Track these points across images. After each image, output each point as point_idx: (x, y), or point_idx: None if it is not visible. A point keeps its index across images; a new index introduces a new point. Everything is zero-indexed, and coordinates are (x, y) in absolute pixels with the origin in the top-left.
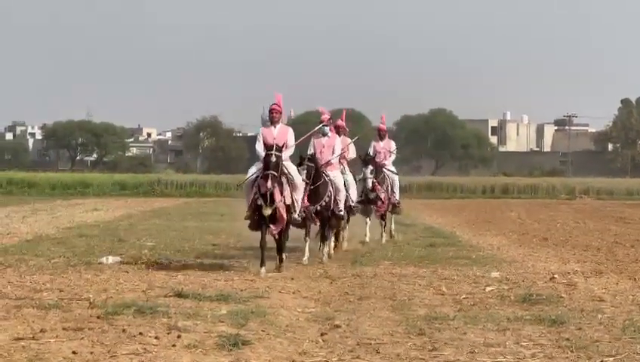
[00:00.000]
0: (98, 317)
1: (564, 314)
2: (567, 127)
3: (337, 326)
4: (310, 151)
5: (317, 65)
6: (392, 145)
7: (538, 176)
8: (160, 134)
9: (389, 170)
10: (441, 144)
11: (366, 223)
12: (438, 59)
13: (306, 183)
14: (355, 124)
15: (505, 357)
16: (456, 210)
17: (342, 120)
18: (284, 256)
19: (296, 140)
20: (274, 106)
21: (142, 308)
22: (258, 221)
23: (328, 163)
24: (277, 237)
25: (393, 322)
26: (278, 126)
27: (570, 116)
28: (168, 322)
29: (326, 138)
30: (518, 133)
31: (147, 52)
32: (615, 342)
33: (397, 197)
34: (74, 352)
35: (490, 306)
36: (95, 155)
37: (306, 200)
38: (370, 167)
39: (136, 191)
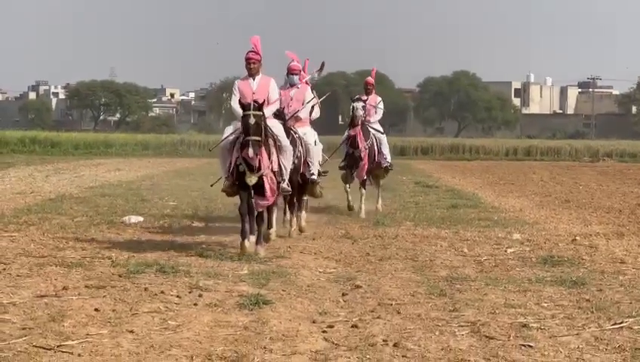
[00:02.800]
0: (120, 276)
1: (585, 276)
2: (590, 90)
3: (358, 287)
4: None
5: (339, 28)
6: (379, 100)
7: (561, 138)
8: (183, 95)
9: (374, 128)
10: (464, 106)
11: (346, 191)
12: (461, 21)
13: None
14: (378, 85)
15: (525, 318)
16: (479, 172)
17: (303, 70)
18: (272, 232)
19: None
20: (250, 54)
21: (164, 267)
22: (240, 187)
23: (296, 118)
24: (261, 211)
25: (414, 283)
26: (257, 77)
27: (594, 78)
28: (190, 281)
29: (294, 89)
30: (541, 96)
31: (171, 13)
32: (636, 303)
33: (388, 158)
34: (96, 309)
35: (512, 268)
36: (118, 115)
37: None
38: (362, 103)
39: (158, 152)
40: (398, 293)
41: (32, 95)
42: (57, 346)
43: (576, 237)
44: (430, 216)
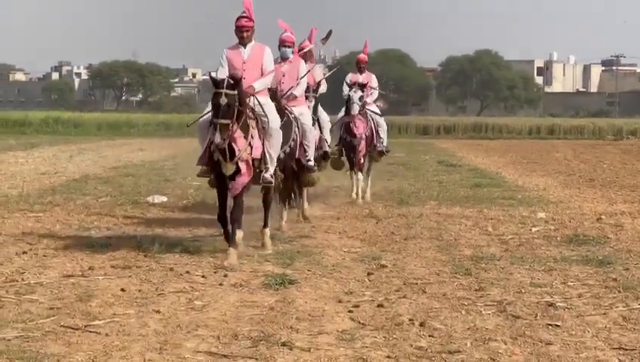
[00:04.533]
0: (145, 256)
1: (611, 255)
2: (614, 68)
3: (383, 266)
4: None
5: (360, 4)
6: (373, 79)
7: (584, 117)
8: (205, 75)
9: (370, 110)
10: (486, 85)
11: (351, 177)
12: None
13: None
14: (399, 65)
15: (552, 297)
16: (502, 150)
17: (309, 40)
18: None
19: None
20: (242, 21)
21: (188, 248)
22: (216, 180)
23: (291, 95)
24: (234, 198)
25: (439, 262)
26: (249, 45)
27: (617, 56)
28: (215, 261)
29: (286, 64)
30: (564, 74)
31: None
32: None
33: (384, 142)
34: (122, 289)
35: (537, 246)
36: (140, 95)
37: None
38: (360, 93)
39: (180, 132)
40: (423, 272)
41: (55, 75)
42: (85, 326)
43: (602, 216)
44: (454, 195)
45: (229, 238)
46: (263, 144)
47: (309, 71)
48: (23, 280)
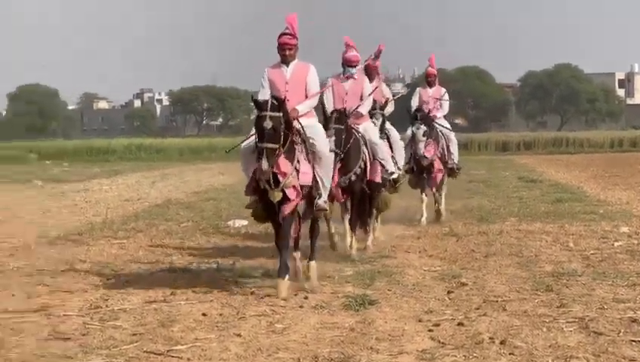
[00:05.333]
0: (226, 280)
1: None
2: None
3: (464, 284)
4: (327, 103)
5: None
6: (443, 92)
7: None
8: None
9: (441, 125)
10: (566, 99)
11: (422, 200)
12: (562, 10)
13: (337, 154)
14: (478, 81)
15: (635, 313)
16: (583, 165)
17: (376, 57)
18: (312, 264)
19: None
20: (284, 38)
21: (269, 271)
22: (266, 209)
23: (357, 113)
24: (282, 223)
25: (520, 279)
26: (292, 64)
27: None
28: (294, 283)
29: (350, 81)
30: None
31: (271, 15)
32: None
33: (456, 159)
34: (204, 314)
35: (620, 261)
36: (221, 120)
37: (336, 174)
38: (424, 128)
39: None
40: (503, 290)
41: (137, 103)
42: (167, 351)
43: None
44: (534, 211)
45: (283, 268)
46: (313, 169)
47: (375, 88)
48: (107, 306)
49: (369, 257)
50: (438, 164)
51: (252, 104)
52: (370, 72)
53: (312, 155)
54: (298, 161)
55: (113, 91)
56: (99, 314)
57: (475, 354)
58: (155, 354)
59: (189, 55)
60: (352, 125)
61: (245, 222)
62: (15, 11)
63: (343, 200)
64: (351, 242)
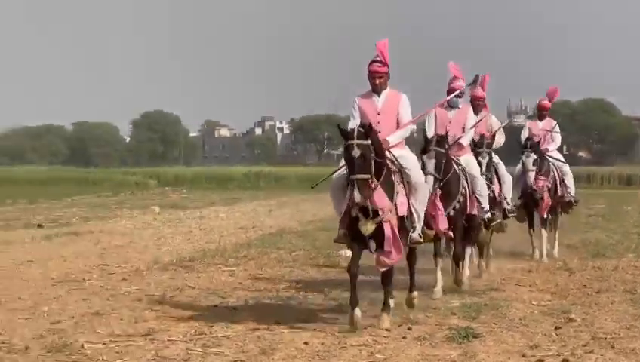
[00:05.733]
0: (331, 310)
1: None
2: None
3: (572, 320)
4: (428, 129)
5: (559, 50)
6: (554, 124)
7: None
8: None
9: (553, 157)
10: None
11: (530, 234)
12: None
13: (436, 179)
14: (604, 114)
15: None
16: None
17: (482, 87)
18: (391, 301)
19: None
20: (374, 66)
21: (375, 301)
22: (354, 241)
23: (458, 144)
24: (384, 268)
25: (631, 316)
26: (384, 93)
27: None
28: (400, 314)
29: (454, 110)
30: None
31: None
32: None
33: (572, 191)
34: (305, 343)
35: None
36: (341, 149)
37: (439, 205)
38: (533, 156)
39: None
40: (613, 327)
41: (258, 131)
42: None
43: None
44: None
45: (355, 299)
46: (408, 200)
47: (479, 120)
48: (210, 333)
49: (477, 289)
50: (547, 198)
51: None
52: (475, 104)
53: (408, 186)
54: (397, 193)
55: (234, 119)
56: (202, 340)
57: None
58: None
59: (311, 83)
60: (452, 157)
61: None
62: (137, 41)
63: (449, 233)
64: (457, 273)
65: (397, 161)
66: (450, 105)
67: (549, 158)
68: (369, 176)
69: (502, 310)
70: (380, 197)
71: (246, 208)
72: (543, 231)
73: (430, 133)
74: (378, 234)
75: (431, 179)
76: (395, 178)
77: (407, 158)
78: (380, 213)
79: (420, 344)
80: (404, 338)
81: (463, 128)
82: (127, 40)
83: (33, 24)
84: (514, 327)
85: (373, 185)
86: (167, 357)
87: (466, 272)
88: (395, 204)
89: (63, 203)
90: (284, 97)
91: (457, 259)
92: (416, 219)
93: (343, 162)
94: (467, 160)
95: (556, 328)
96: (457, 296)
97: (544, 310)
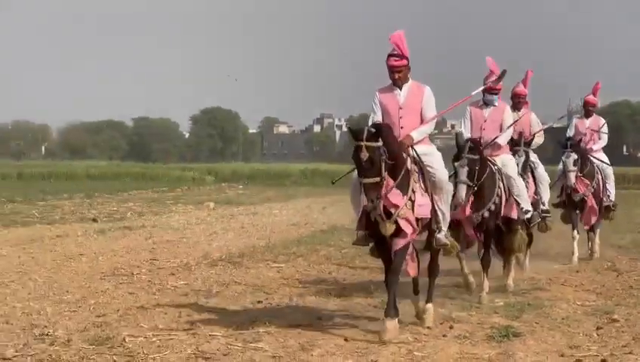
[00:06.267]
0: (375, 306)
1: None
2: None
3: (615, 321)
4: (464, 130)
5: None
6: (602, 123)
7: None
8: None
9: (598, 158)
10: None
11: (573, 238)
12: None
13: (469, 187)
14: None
15: None
16: None
17: (524, 84)
18: (429, 307)
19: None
20: (391, 61)
21: (418, 299)
22: (378, 247)
23: (494, 145)
24: (393, 257)
25: None
26: (406, 86)
27: None
28: (443, 312)
29: (489, 108)
30: None
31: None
32: None
33: (612, 197)
34: (346, 339)
35: None
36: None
37: (466, 211)
38: (574, 156)
39: None
40: None
41: (317, 128)
42: None
43: None
44: None
45: (391, 308)
46: (432, 200)
47: (518, 119)
48: (252, 328)
49: (522, 289)
50: (590, 201)
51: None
52: (516, 101)
53: (432, 185)
54: (413, 191)
55: (293, 116)
56: (243, 335)
57: None
58: None
59: (370, 81)
60: (489, 157)
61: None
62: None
63: (475, 238)
64: (482, 282)
65: (420, 158)
66: (486, 103)
67: (593, 160)
68: (378, 179)
69: (545, 309)
70: (394, 195)
71: (300, 205)
72: (591, 235)
73: (466, 134)
74: (397, 232)
75: (464, 187)
76: (414, 176)
77: (432, 155)
78: (393, 210)
79: (459, 342)
80: (444, 336)
81: (500, 127)
82: (188, 37)
83: (92, 20)
84: (555, 327)
85: (387, 188)
86: (207, 352)
87: (511, 273)
88: (412, 202)
89: (119, 197)
90: (343, 94)
91: (485, 266)
92: (442, 220)
93: None
94: (504, 160)
95: (598, 328)
96: (502, 295)
97: (587, 310)
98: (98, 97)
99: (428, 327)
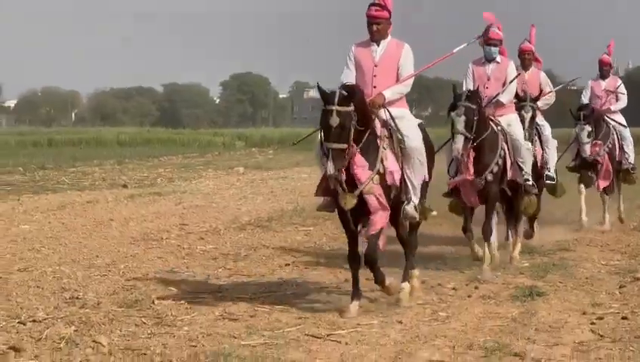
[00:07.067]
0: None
1: None
2: None
3: (638, 279)
4: (465, 84)
5: None
6: (619, 83)
7: None
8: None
9: (614, 120)
10: None
11: (579, 192)
12: None
13: (467, 139)
14: None
15: None
16: None
17: (529, 41)
18: (404, 286)
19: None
20: (371, 10)
21: (446, 260)
22: (340, 217)
23: (497, 102)
24: (367, 240)
25: None
26: (383, 42)
27: None
28: (469, 274)
29: (492, 65)
30: None
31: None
32: None
33: (631, 159)
34: (371, 301)
35: None
36: (430, 110)
37: (470, 171)
38: (587, 128)
39: None
40: None
41: None
42: (327, 335)
43: None
44: None
45: (356, 291)
46: (401, 168)
47: (519, 73)
48: (279, 291)
49: (548, 250)
50: (606, 164)
51: (342, 81)
52: (523, 58)
53: (401, 152)
54: (383, 159)
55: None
56: (270, 297)
57: (631, 348)
58: (315, 337)
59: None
60: (491, 117)
61: (434, 213)
62: (226, 3)
63: (478, 204)
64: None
65: (393, 121)
66: (487, 60)
67: (609, 120)
68: (346, 145)
69: (569, 269)
70: (360, 166)
71: None
72: (605, 197)
73: None
74: (362, 209)
75: (461, 138)
76: (382, 143)
77: (405, 119)
78: (359, 183)
79: (483, 302)
80: (469, 296)
81: (504, 83)
82: (217, 2)
83: None
84: (579, 286)
85: (351, 153)
86: (234, 313)
87: (518, 246)
88: (380, 173)
89: (149, 163)
90: None
91: (486, 235)
92: (411, 190)
93: None
94: (509, 120)
95: (621, 286)
96: (528, 256)
97: (612, 269)
98: (127, 64)
99: (454, 288)
